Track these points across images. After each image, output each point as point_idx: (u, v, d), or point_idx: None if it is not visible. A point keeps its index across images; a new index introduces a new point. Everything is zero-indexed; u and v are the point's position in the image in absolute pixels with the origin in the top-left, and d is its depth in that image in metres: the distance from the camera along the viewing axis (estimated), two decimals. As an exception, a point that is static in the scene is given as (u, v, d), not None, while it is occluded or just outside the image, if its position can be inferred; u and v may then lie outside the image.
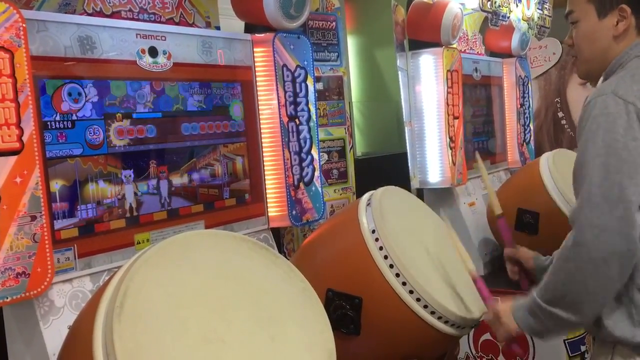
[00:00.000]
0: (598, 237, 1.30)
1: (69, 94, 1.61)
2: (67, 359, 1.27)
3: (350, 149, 2.79)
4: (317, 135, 2.29)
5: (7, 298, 1.39)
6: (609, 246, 1.30)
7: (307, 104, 2.23)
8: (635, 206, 1.31)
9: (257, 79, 2.17)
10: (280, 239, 2.48)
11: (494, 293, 2.78)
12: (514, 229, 2.83)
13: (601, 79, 1.56)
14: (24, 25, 1.42)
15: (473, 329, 1.88)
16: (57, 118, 1.58)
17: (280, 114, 2.15)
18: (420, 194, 3.12)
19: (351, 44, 3.45)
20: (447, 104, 3.00)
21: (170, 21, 1.95)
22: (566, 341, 2.68)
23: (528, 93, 3.92)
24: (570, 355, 2.67)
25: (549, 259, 1.90)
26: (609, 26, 1.49)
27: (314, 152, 2.27)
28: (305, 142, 2.23)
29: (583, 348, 2.68)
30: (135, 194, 1.77)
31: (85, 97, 1.65)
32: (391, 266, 1.67)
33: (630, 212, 1.30)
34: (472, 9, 3.35)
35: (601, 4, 1.49)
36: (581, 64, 1.59)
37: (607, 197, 1.31)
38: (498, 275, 2.80)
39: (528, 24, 3.77)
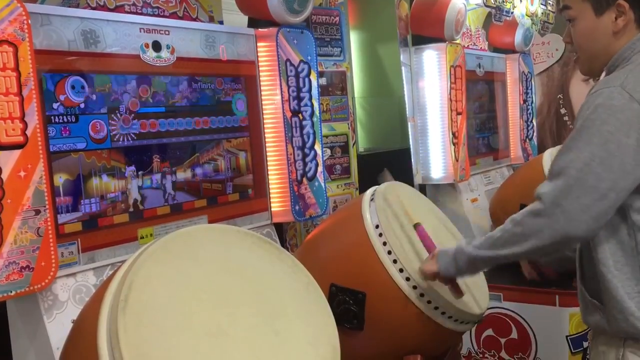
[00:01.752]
0: (557, 216, 1.33)
1: (73, 88, 1.61)
2: (71, 352, 1.27)
3: (353, 144, 2.79)
4: (320, 130, 2.29)
5: (11, 292, 1.39)
6: (562, 228, 1.33)
7: (310, 99, 2.23)
8: (605, 200, 1.32)
9: (261, 73, 2.17)
10: (283, 234, 2.48)
11: (498, 289, 2.79)
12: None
13: (603, 73, 1.55)
14: (27, 18, 1.42)
15: (476, 325, 1.88)
16: (61, 112, 1.58)
17: (283, 109, 2.15)
18: (423, 189, 3.12)
19: (354, 40, 3.44)
20: (450, 100, 2.99)
21: (173, 15, 1.94)
22: (568, 337, 2.68)
23: (531, 89, 3.91)
24: (573, 351, 2.67)
25: None
26: (607, 23, 1.48)
27: (317, 148, 2.26)
28: (308, 137, 2.23)
29: (585, 344, 2.68)
30: (139, 188, 1.77)
31: (89, 91, 1.65)
32: (395, 261, 1.67)
33: (597, 203, 1.32)
34: (476, 5, 3.34)
35: (597, 2, 1.48)
36: (583, 62, 1.57)
37: (581, 183, 1.32)
38: (501, 269, 2.80)
39: (532, 19, 3.76)
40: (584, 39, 1.54)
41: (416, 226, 1.74)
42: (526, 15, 3.69)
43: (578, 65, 1.61)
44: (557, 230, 1.34)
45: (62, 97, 1.58)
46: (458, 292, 1.65)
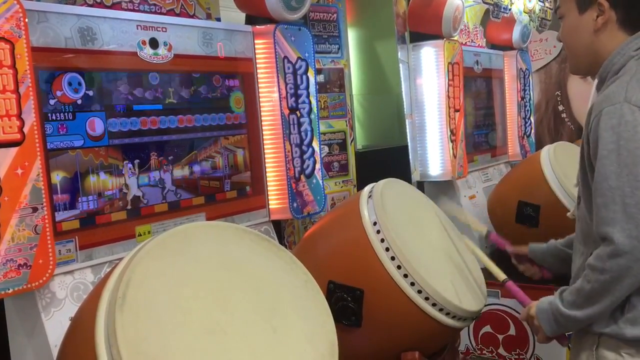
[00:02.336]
0: (638, 248, 1.31)
1: (70, 85, 1.60)
2: (69, 349, 1.27)
3: (351, 141, 2.79)
4: (318, 127, 2.29)
5: (9, 289, 1.39)
6: None
7: (308, 96, 2.23)
8: None
9: (258, 71, 2.17)
10: (281, 231, 2.48)
11: (496, 286, 2.79)
12: (514, 221, 2.83)
13: (596, 80, 1.56)
14: (24, 16, 1.41)
15: (474, 321, 1.89)
16: (58, 109, 1.57)
17: (281, 106, 2.15)
18: (421, 186, 3.12)
19: (352, 37, 3.44)
20: (448, 97, 2.99)
21: (170, 12, 1.94)
22: (566, 334, 2.69)
23: (529, 86, 3.91)
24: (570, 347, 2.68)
25: (544, 244, 1.89)
26: (589, 21, 1.50)
27: (315, 145, 2.26)
28: (306, 135, 2.23)
29: (583, 340, 2.69)
30: (136, 185, 1.77)
31: (86, 88, 1.64)
32: (393, 258, 1.67)
33: None
34: (474, 1, 3.34)
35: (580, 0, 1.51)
36: (570, 59, 1.61)
37: (639, 207, 1.32)
38: (499, 267, 2.80)
39: (529, 16, 3.76)
40: (568, 35, 1.57)
41: (505, 282, 1.70)
42: (524, 12, 3.70)
43: (567, 63, 1.64)
44: None
45: (59, 94, 1.58)
46: (564, 342, 1.62)
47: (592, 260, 1.40)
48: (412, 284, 1.66)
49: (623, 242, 1.32)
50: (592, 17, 1.50)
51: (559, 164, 2.78)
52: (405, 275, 1.66)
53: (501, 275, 1.71)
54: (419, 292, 1.66)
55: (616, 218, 1.34)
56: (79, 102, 1.62)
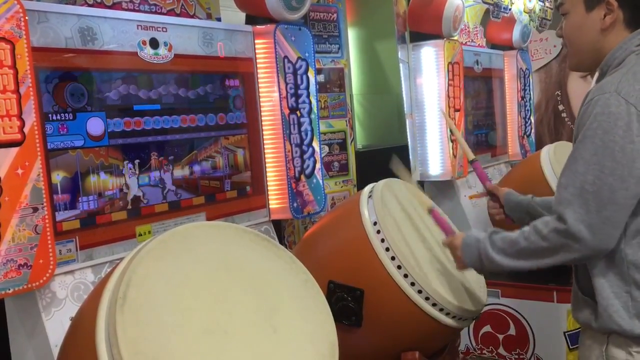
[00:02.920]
0: (583, 234, 1.36)
1: (70, 86, 1.60)
2: (69, 349, 1.27)
3: (351, 141, 2.79)
4: (318, 127, 2.29)
5: (9, 289, 1.39)
6: (591, 243, 1.36)
7: (308, 96, 2.23)
8: (623, 209, 1.36)
9: (258, 70, 2.17)
10: (282, 231, 2.48)
11: (496, 286, 2.79)
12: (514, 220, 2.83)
13: (596, 74, 1.56)
14: (25, 16, 1.41)
15: (474, 321, 1.89)
16: (58, 109, 1.58)
17: (281, 106, 2.15)
18: (421, 186, 3.12)
19: (352, 36, 3.44)
20: (448, 97, 2.99)
21: (171, 12, 1.94)
22: (566, 333, 2.69)
23: (529, 85, 3.91)
24: (571, 347, 2.68)
25: (521, 196, 1.90)
26: (596, 19, 1.50)
27: (315, 145, 2.26)
28: (306, 135, 2.23)
29: (583, 340, 2.69)
30: (137, 185, 1.77)
31: (86, 88, 1.64)
32: (393, 258, 1.67)
33: (616, 214, 1.36)
34: (474, 1, 3.34)
35: None
36: (571, 56, 1.60)
37: (598, 197, 1.35)
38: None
39: (529, 16, 3.76)
40: (572, 32, 1.56)
41: (430, 211, 1.76)
42: (524, 11, 3.70)
43: (567, 60, 1.63)
44: (586, 247, 1.37)
45: (59, 95, 1.58)
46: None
47: (539, 223, 1.44)
48: (412, 284, 1.66)
49: (572, 223, 1.36)
50: (599, 16, 1.49)
51: (558, 164, 2.78)
52: (406, 275, 1.66)
53: (471, 155, 1.77)
54: (419, 292, 1.66)
55: (572, 200, 1.37)
56: (79, 102, 1.62)
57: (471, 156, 2.04)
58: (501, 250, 1.50)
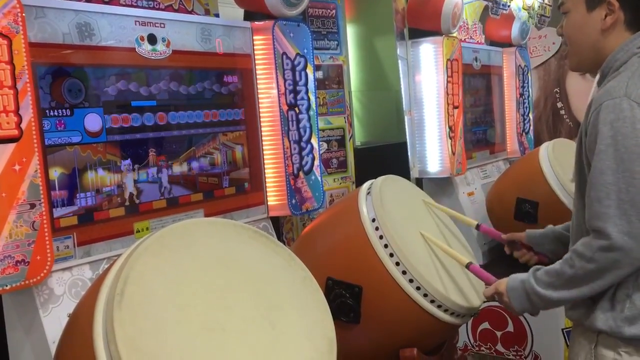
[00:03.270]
0: (631, 245, 1.33)
1: (68, 82, 1.60)
2: (67, 346, 1.27)
3: (350, 138, 2.79)
4: (317, 124, 2.28)
5: (7, 286, 1.38)
6: (637, 253, 1.33)
7: (306, 92, 2.22)
8: None
9: (257, 67, 2.16)
10: (280, 228, 2.47)
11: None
12: (513, 218, 2.84)
13: (597, 76, 1.56)
14: (22, 11, 1.41)
15: (472, 318, 1.89)
16: (56, 105, 1.57)
17: (280, 103, 2.14)
18: (419, 183, 3.12)
19: (350, 33, 3.43)
20: (447, 93, 2.99)
21: (169, 8, 1.93)
22: (564, 330, 2.69)
23: (527, 83, 3.91)
24: (568, 344, 2.68)
25: (543, 229, 1.88)
26: (597, 19, 1.49)
27: (314, 141, 2.26)
28: (304, 131, 2.22)
29: (581, 337, 2.69)
30: (135, 182, 1.76)
31: (84, 84, 1.64)
32: (391, 255, 1.67)
33: None
34: (473, -2, 3.33)
35: None
36: (571, 56, 1.60)
37: (633, 204, 1.33)
38: (497, 264, 2.81)
39: (528, 12, 3.75)
40: (573, 31, 1.55)
41: (468, 265, 1.70)
42: (523, 8, 3.69)
43: (568, 60, 1.62)
44: (634, 258, 1.34)
45: (56, 91, 1.57)
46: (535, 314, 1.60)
47: (579, 247, 1.40)
48: (411, 280, 1.66)
49: (616, 237, 1.33)
50: (600, 16, 1.48)
51: (557, 161, 2.78)
52: (404, 272, 1.66)
53: (464, 260, 1.72)
54: (418, 288, 1.66)
55: (609, 213, 1.34)
56: (77, 98, 1.62)
57: (465, 261, 1.79)
58: (549, 285, 1.45)
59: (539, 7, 3.90)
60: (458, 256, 1.74)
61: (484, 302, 1.78)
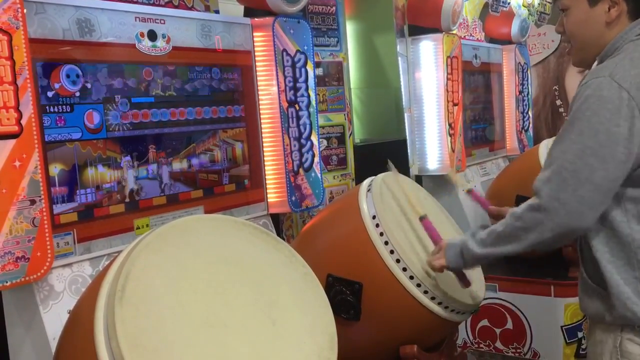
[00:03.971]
0: (557, 210, 1.36)
1: (68, 77, 1.59)
2: (68, 342, 1.27)
3: (350, 135, 2.79)
4: (317, 121, 2.28)
5: (7, 282, 1.38)
6: (563, 220, 1.36)
7: (307, 89, 2.22)
8: (600, 190, 1.36)
9: (257, 63, 2.16)
10: (280, 224, 2.47)
11: (493, 280, 2.80)
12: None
13: (595, 62, 1.56)
14: (22, 7, 1.40)
15: (471, 315, 1.89)
16: (56, 102, 1.56)
17: (280, 100, 2.14)
18: (419, 180, 3.12)
19: (350, 30, 3.42)
20: (447, 91, 2.99)
21: (169, 4, 1.93)
22: (563, 327, 2.70)
23: (527, 80, 3.91)
24: (568, 341, 2.69)
25: None
26: (600, 13, 1.49)
27: (314, 138, 2.26)
28: (304, 128, 2.22)
29: (580, 334, 2.70)
30: (135, 178, 1.76)
31: (84, 80, 1.63)
32: (392, 252, 1.67)
33: (593, 194, 1.35)
34: (473, -5, 3.33)
35: None
36: (575, 52, 1.59)
37: (576, 176, 1.35)
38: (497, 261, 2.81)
39: (528, 10, 3.75)
40: (576, 28, 1.55)
41: (422, 219, 1.73)
42: (523, 5, 3.69)
43: (571, 56, 1.62)
44: (557, 224, 1.37)
45: (57, 87, 1.57)
46: (466, 282, 1.66)
47: (516, 208, 1.45)
48: (411, 277, 1.66)
49: (546, 199, 1.36)
50: (603, 9, 1.48)
51: (557, 158, 2.78)
52: (405, 269, 1.66)
53: (420, 211, 1.76)
54: (418, 285, 1.66)
55: (551, 178, 1.38)
56: (77, 94, 1.61)
57: (421, 212, 1.84)
58: (481, 242, 1.51)
59: (539, 4, 3.90)
60: (417, 208, 1.77)
61: (484, 298, 1.78)
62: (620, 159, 1.34)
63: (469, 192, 2.10)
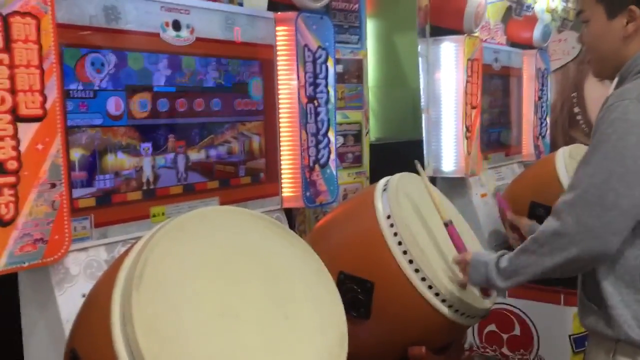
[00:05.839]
0: (581, 235, 1.35)
1: (92, 64, 1.61)
2: (83, 325, 1.28)
3: (366, 133, 2.78)
4: (335, 117, 2.28)
5: (25, 263, 1.40)
6: (588, 246, 1.35)
7: (326, 85, 2.22)
8: (626, 216, 1.34)
9: (278, 58, 2.16)
10: (293, 219, 2.48)
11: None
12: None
13: (616, 79, 1.55)
14: (51, -8, 1.41)
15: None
16: (80, 87, 1.58)
17: (299, 95, 2.14)
18: (433, 182, 3.11)
19: (370, 28, 3.41)
20: (466, 93, 2.97)
21: (194, -5, 1.93)
22: (571, 337, 2.69)
23: (547, 86, 3.88)
24: (575, 350, 2.68)
25: None
26: (618, 27, 1.48)
27: (331, 135, 2.26)
28: (322, 124, 2.22)
29: (588, 344, 2.68)
30: (153, 167, 1.77)
31: (108, 67, 1.64)
32: (405, 252, 1.67)
33: (618, 220, 1.34)
34: (497, -2, 3.31)
35: (610, 5, 1.49)
36: (594, 64, 1.59)
37: (602, 201, 1.33)
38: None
39: (552, 15, 3.72)
40: (594, 40, 1.55)
41: (447, 225, 1.73)
42: (546, 10, 3.66)
43: (590, 67, 1.62)
44: (582, 249, 1.35)
45: (81, 72, 1.58)
46: (487, 294, 1.69)
47: (537, 234, 1.43)
48: (423, 279, 1.66)
49: (571, 225, 1.35)
50: (621, 24, 1.48)
51: (573, 167, 2.76)
52: (417, 270, 1.66)
53: (445, 217, 1.75)
54: (430, 287, 1.66)
55: (576, 202, 1.36)
56: (101, 81, 1.63)
57: (446, 217, 1.80)
58: (504, 274, 1.50)
59: (562, 10, 3.87)
60: (442, 211, 1.76)
61: (494, 303, 1.78)
62: None
63: (495, 195, 2.07)
